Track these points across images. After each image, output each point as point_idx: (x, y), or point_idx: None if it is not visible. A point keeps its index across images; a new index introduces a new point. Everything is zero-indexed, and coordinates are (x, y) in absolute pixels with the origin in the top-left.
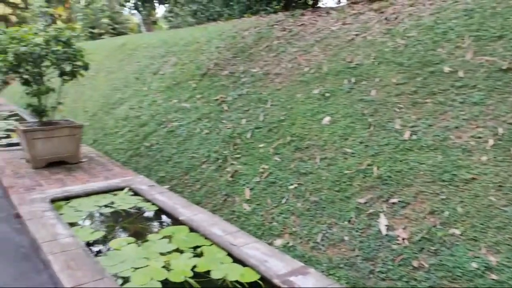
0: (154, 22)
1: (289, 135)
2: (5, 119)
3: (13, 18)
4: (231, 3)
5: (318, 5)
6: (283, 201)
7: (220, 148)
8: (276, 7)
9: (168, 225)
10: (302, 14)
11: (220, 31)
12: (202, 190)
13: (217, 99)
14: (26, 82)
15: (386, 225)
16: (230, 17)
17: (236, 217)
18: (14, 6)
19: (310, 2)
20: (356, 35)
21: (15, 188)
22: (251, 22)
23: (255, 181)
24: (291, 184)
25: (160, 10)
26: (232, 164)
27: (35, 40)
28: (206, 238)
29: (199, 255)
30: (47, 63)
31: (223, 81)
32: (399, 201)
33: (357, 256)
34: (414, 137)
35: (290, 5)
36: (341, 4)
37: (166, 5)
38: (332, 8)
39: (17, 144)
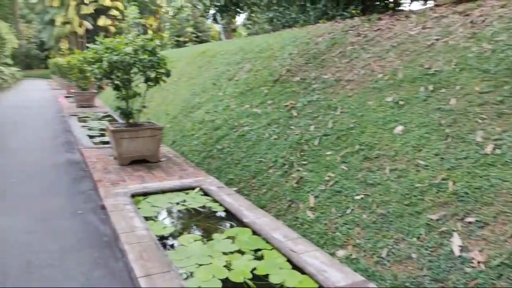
0: (234, 30)
1: (358, 143)
2: (99, 119)
3: (112, 29)
4: (307, 9)
5: (399, 9)
6: (348, 211)
7: (287, 153)
8: (354, 11)
9: (233, 226)
10: (379, 19)
11: (294, 38)
12: (267, 195)
13: (287, 105)
14: (117, 87)
15: (459, 246)
16: (305, 24)
17: (299, 224)
18: (113, 18)
19: (391, 6)
20: (437, 39)
21: (103, 182)
22: (326, 28)
23: (320, 189)
24: (357, 195)
25: (240, 18)
26: (298, 170)
27: (126, 50)
28: (267, 242)
29: (260, 258)
30: (135, 70)
31: (294, 87)
32: (476, 221)
33: (425, 276)
34: (497, 151)
35: (368, 9)
36: (423, 7)
37: (245, 13)
38: (412, 12)
39: (108, 143)
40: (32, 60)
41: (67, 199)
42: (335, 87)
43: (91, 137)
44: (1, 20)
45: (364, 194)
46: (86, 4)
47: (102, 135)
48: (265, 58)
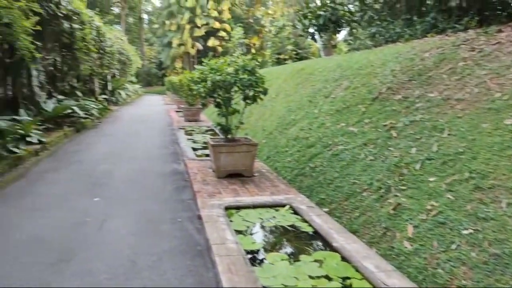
0: (334, 46)
1: (467, 170)
2: (203, 133)
3: (220, 49)
4: (413, 23)
5: None
6: (453, 246)
7: (384, 177)
8: (469, 23)
9: (321, 249)
10: (499, 31)
11: (396, 53)
12: (360, 219)
13: (385, 125)
14: (218, 105)
15: None
16: (410, 38)
17: (394, 255)
18: (221, 38)
19: None
20: None
21: (201, 193)
22: (434, 43)
23: (420, 218)
24: (465, 229)
25: (341, 34)
26: (395, 195)
27: (227, 70)
28: (357, 270)
29: (348, 287)
30: (235, 88)
31: (394, 106)
32: None
33: None
34: None
35: (487, 20)
36: None
37: (346, 29)
38: None
39: (208, 155)
40: (152, 78)
41: (169, 206)
42: (443, 106)
43: (194, 149)
44: (130, 43)
45: (474, 229)
46: (198, 27)
47: (205, 148)
48: (364, 75)
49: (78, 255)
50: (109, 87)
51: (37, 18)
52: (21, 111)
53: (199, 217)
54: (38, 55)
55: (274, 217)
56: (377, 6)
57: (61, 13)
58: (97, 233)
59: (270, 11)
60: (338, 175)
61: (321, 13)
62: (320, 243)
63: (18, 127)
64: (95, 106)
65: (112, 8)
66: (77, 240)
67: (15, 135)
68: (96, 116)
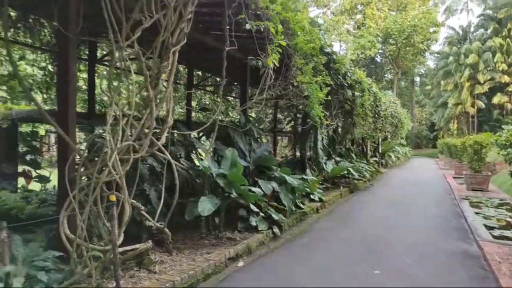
0: None
1: None
2: (496, 207)
3: (508, 106)
4: None
5: None
6: None
7: None
8: None
9: None
10: None
11: None
12: None
13: None
14: None
15: None
16: None
17: None
18: (510, 94)
19: None
20: None
21: None
22: None
23: None
24: None
25: None
26: None
27: None
28: None
29: None
30: None
31: None
32: None
33: None
34: None
35: None
36: None
37: None
38: None
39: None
40: (421, 140)
41: None
42: None
43: (488, 227)
44: (401, 106)
45: None
46: (480, 84)
47: (503, 227)
48: None
49: None
50: (380, 150)
51: (328, 89)
52: (308, 171)
53: None
54: (326, 122)
55: None
56: None
57: (347, 83)
58: None
59: None
60: None
61: None
62: None
63: (306, 185)
64: (368, 168)
65: (385, 75)
66: None
67: (302, 192)
68: (368, 178)
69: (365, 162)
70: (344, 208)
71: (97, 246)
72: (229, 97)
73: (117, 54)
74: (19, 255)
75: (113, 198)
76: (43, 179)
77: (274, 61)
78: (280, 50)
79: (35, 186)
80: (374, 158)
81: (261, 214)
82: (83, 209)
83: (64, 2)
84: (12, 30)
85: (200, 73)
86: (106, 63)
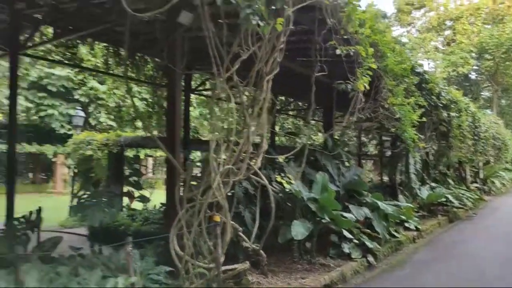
0: None
1: None
2: None
3: None
4: None
5: None
6: None
7: None
8: None
9: None
10: None
11: None
12: None
13: None
14: None
15: None
16: None
17: None
18: None
19: None
20: None
21: None
22: None
23: None
24: None
25: None
26: None
27: None
28: None
29: None
30: None
31: None
32: None
33: None
34: None
35: None
36: None
37: None
38: None
39: None
40: None
41: None
42: None
43: None
44: (504, 127)
45: None
46: None
47: None
48: None
49: None
50: (481, 175)
51: (421, 110)
52: (400, 197)
53: None
54: (421, 145)
55: None
56: None
57: (441, 103)
58: None
59: None
60: None
61: None
62: None
63: (400, 212)
64: (469, 195)
65: (481, 93)
66: None
67: (396, 220)
68: (469, 206)
69: (465, 188)
70: (445, 239)
71: (201, 263)
72: (312, 121)
73: (219, 85)
74: (137, 267)
75: (217, 218)
76: (144, 199)
77: (364, 84)
78: (370, 73)
79: (136, 205)
80: (475, 184)
81: (354, 241)
82: (187, 228)
83: (171, 41)
84: (123, 67)
85: (283, 98)
86: (198, 92)
